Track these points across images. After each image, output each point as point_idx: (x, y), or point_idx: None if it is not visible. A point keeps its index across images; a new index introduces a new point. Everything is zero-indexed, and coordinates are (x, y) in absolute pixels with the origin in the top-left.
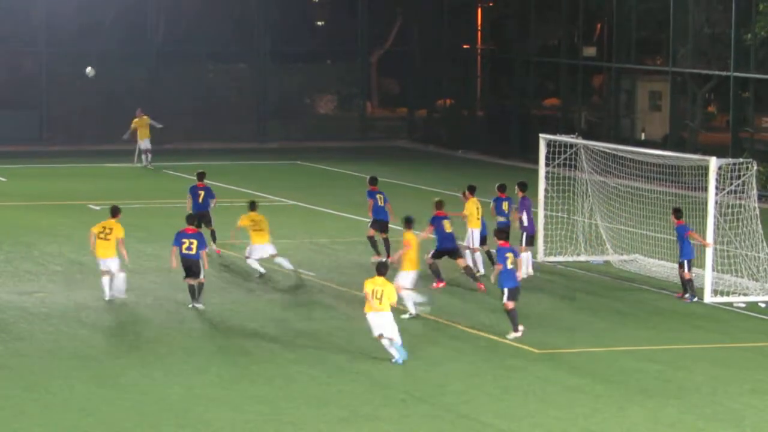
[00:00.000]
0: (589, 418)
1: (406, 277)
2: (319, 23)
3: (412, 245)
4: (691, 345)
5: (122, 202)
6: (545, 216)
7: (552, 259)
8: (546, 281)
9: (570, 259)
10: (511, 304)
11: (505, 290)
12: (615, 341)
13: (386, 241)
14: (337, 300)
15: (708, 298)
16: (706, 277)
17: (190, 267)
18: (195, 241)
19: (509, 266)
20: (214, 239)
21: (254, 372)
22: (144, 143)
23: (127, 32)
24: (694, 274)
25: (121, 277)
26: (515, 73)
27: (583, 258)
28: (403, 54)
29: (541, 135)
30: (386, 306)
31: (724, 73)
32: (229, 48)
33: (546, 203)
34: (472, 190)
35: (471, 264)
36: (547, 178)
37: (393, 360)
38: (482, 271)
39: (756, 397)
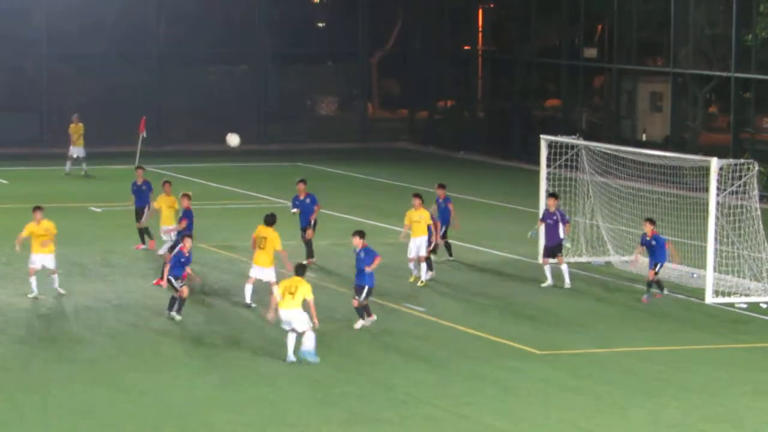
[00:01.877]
0: (590, 419)
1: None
2: (320, 25)
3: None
4: (692, 346)
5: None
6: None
7: (553, 260)
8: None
9: (571, 260)
10: None
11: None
12: (616, 342)
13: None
14: (338, 302)
15: (709, 298)
16: (708, 277)
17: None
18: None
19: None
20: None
21: (255, 374)
22: (78, 150)
23: (129, 34)
24: (694, 275)
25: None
26: (516, 74)
27: (584, 259)
28: (404, 55)
29: (542, 136)
30: (298, 303)
31: (725, 74)
32: (230, 50)
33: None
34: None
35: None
36: (548, 179)
37: (287, 358)
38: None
39: (757, 398)
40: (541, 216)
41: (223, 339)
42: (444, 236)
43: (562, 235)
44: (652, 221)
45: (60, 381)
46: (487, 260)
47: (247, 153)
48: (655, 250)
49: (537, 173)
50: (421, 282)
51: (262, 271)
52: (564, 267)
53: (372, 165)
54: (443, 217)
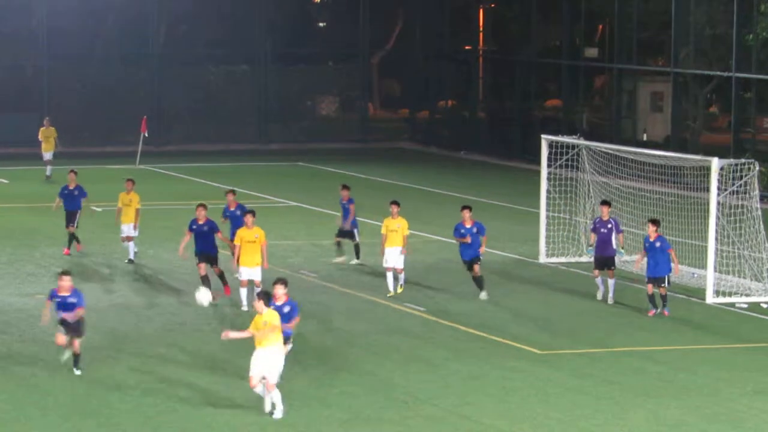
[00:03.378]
0: (591, 419)
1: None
2: (321, 25)
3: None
4: (692, 346)
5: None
6: (547, 217)
7: (554, 260)
8: (548, 282)
9: (572, 260)
10: None
11: None
12: (616, 342)
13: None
14: (339, 301)
15: (710, 298)
16: (708, 277)
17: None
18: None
19: None
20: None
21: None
22: (47, 155)
23: (129, 34)
24: (695, 275)
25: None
26: (517, 74)
27: (585, 259)
28: (405, 55)
29: (543, 136)
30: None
31: (725, 74)
32: (231, 50)
33: (548, 204)
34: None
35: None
36: (549, 179)
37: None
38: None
39: (758, 398)
40: (592, 226)
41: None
42: (344, 235)
43: (615, 245)
44: (655, 222)
45: (61, 380)
46: (488, 260)
47: (247, 152)
48: (657, 256)
49: (538, 173)
50: (401, 287)
51: (252, 271)
52: (612, 282)
53: (372, 165)
54: (346, 219)
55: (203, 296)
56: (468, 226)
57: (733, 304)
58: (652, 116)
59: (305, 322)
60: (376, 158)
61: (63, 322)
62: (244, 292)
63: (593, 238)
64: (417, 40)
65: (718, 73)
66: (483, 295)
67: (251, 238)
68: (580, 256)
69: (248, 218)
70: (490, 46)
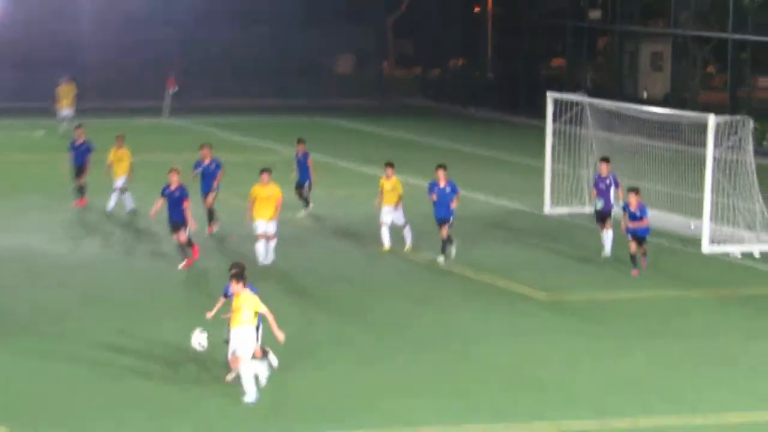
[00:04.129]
0: (594, 361)
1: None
2: None
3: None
4: (689, 292)
5: (148, 155)
6: (552, 170)
7: (558, 210)
8: (552, 232)
9: (575, 210)
10: None
11: None
12: (618, 288)
13: None
14: (354, 251)
15: (706, 247)
16: (704, 227)
17: None
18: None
19: None
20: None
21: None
22: (65, 111)
23: None
24: (693, 227)
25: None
26: (523, 35)
27: (587, 209)
28: (418, 17)
29: (548, 93)
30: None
31: (723, 35)
32: (254, 10)
33: (553, 158)
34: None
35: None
36: (554, 134)
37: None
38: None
39: (751, 342)
40: (593, 182)
41: None
42: (301, 187)
43: (613, 200)
44: (634, 190)
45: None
46: (495, 211)
47: (268, 108)
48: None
49: (543, 128)
50: (410, 245)
51: (267, 224)
52: (608, 234)
53: (387, 120)
54: (303, 172)
55: (196, 340)
56: (441, 185)
57: (727, 254)
58: (652, 76)
59: (317, 271)
60: (391, 114)
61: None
62: (261, 245)
63: (594, 193)
64: (430, 2)
65: (716, 34)
66: (441, 259)
67: (265, 195)
68: (584, 206)
69: (264, 176)
70: (498, 9)
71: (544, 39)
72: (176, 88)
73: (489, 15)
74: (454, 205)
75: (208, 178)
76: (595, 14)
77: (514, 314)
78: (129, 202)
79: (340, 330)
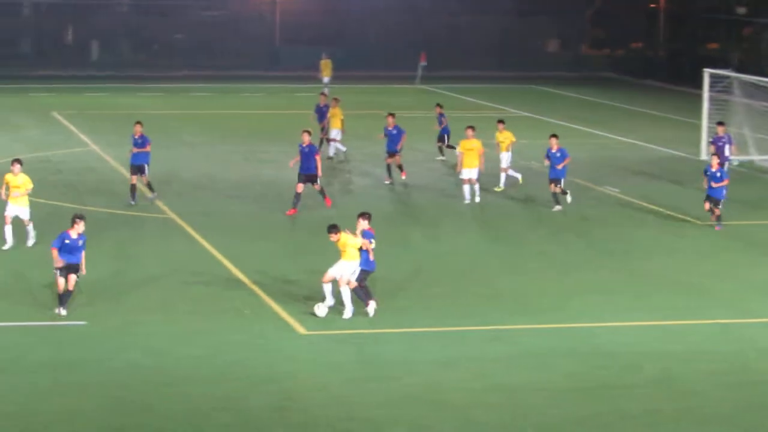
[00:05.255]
0: (734, 269)
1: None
2: None
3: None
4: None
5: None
6: (707, 127)
7: (707, 158)
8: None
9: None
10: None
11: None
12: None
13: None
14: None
15: None
16: None
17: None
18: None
19: None
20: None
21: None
22: (326, 79)
23: None
24: None
25: None
26: (687, 24)
27: (731, 157)
28: (609, 9)
29: (705, 69)
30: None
31: None
32: (480, 4)
33: (709, 118)
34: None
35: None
36: (710, 100)
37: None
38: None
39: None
40: (711, 140)
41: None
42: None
43: (728, 153)
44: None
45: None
46: (654, 156)
47: (492, 78)
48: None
49: (701, 96)
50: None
51: (472, 171)
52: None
53: (583, 88)
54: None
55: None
56: (553, 150)
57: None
58: None
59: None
60: (587, 84)
61: None
62: (466, 188)
63: (712, 148)
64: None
65: None
66: (558, 207)
67: (469, 147)
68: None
69: (469, 131)
70: (669, 4)
71: (702, 27)
72: (425, 63)
73: (661, 9)
74: (560, 166)
75: (391, 140)
76: (741, 10)
77: (677, 236)
78: (332, 150)
79: (541, 249)
